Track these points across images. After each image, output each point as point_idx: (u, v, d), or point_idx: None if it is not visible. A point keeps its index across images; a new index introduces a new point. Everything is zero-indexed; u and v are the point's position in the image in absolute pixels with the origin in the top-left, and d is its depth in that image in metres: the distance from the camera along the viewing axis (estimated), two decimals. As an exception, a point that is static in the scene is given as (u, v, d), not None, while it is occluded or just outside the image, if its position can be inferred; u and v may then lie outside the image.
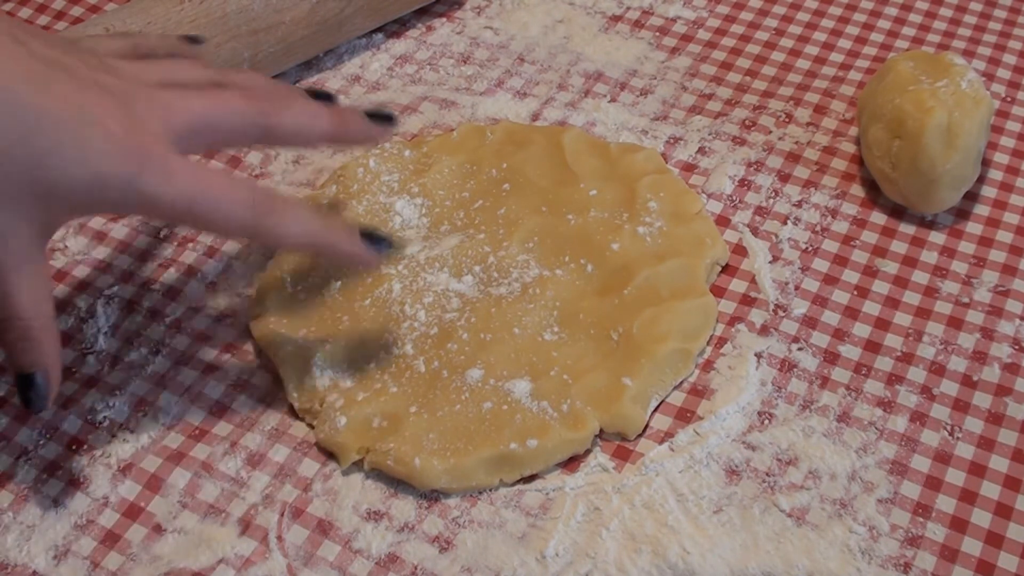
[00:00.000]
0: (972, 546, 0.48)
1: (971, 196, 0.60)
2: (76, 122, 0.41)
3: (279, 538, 0.49)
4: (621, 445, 0.52)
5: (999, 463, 0.50)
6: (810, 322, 0.56)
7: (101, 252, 0.61)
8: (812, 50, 0.69)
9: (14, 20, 0.45)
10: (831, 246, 0.59)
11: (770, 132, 0.64)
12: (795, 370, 0.54)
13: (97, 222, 0.62)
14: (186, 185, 0.44)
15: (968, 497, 0.49)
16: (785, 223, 0.60)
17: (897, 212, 0.60)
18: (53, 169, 0.41)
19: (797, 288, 0.57)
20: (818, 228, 0.60)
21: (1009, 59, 0.68)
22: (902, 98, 0.57)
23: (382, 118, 0.52)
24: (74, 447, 0.53)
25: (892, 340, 0.55)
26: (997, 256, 0.58)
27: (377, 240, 0.50)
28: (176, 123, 0.45)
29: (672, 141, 0.64)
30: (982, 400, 0.53)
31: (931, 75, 0.58)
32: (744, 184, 0.62)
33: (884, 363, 0.54)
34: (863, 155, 0.61)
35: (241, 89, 0.48)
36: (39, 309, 0.44)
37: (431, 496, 0.50)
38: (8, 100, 0.40)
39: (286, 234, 0.47)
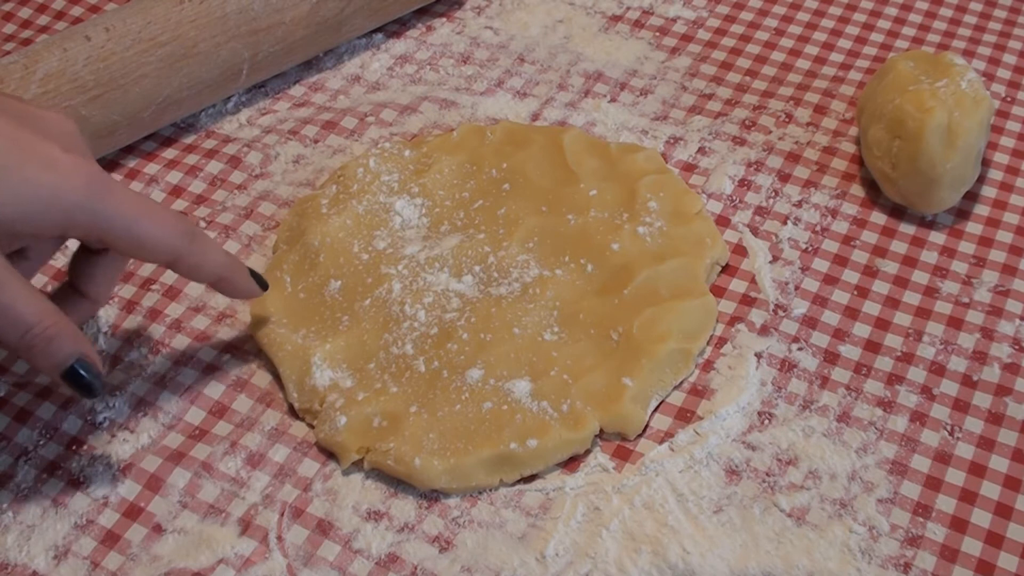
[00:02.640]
0: (972, 546, 0.48)
1: (971, 196, 0.60)
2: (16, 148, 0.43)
3: (279, 538, 0.49)
4: (621, 445, 0.52)
5: (999, 463, 0.50)
6: (810, 322, 0.56)
7: (101, 252, 0.61)
8: (812, 50, 0.69)
9: None
10: (831, 246, 0.59)
11: (770, 132, 0.64)
12: (795, 370, 0.54)
13: (97, 222, 0.62)
14: (129, 206, 0.45)
15: (968, 497, 0.49)
16: (785, 223, 0.60)
17: (897, 212, 0.60)
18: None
19: (797, 288, 0.57)
20: (818, 228, 0.60)
21: (1009, 59, 0.68)
22: (902, 98, 0.57)
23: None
24: (74, 447, 0.53)
25: (892, 340, 0.55)
26: (997, 256, 0.58)
27: (259, 279, 0.53)
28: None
29: (672, 141, 0.64)
30: (982, 400, 0.53)
31: (931, 75, 0.58)
32: (744, 184, 0.62)
33: (884, 363, 0.54)
34: (863, 155, 0.61)
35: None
36: (40, 308, 0.44)
37: (431, 496, 0.50)
38: None
39: (204, 263, 0.49)
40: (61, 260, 0.60)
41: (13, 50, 0.72)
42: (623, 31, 0.71)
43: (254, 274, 0.53)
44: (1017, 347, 0.54)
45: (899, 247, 0.59)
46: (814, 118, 0.65)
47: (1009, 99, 0.66)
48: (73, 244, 0.60)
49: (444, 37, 0.72)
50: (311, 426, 0.53)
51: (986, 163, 0.62)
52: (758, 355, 0.55)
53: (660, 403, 0.53)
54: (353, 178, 0.61)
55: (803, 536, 0.48)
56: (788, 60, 0.69)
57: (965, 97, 0.57)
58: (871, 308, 0.56)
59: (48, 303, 0.45)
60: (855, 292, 0.57)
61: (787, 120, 0.65)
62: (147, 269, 0.60)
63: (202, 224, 0.62)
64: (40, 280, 0.59)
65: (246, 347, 0.56)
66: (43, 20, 0.75)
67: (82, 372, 0.45)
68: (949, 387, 0.53)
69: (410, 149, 0.63)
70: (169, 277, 0.59)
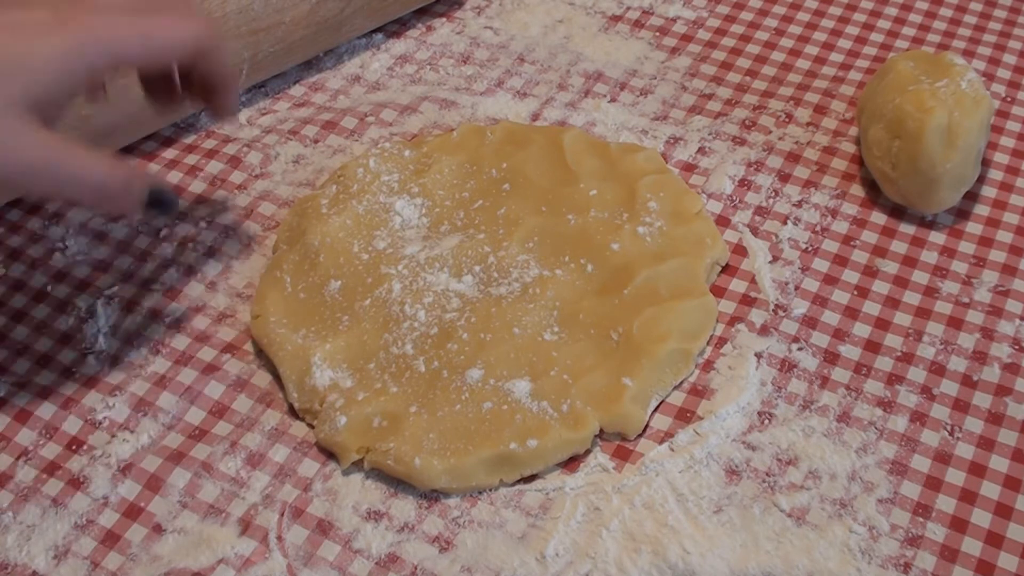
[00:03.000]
0: (972, 546, 0.48)
1: (971, 196, 0.60)
2: None
3: (279, 538, 0.49)
4: (621, 445, 0.52)
5: (999, 463, 0.50)
6: (810, 322, 0.56)
7: (101, 252, 0.61)
8: (812, 50, 0.69)
9: None
10: (831, 246, 0.59)
11: (770, 132, 0.64)
12: (795, 370, 0.54)
13: (97, 222, 0.62)
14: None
15: (968, 497, 0.49)
16: (785, 223, 0.60)
17: (897, 212, 0.60)
18: (36, 58, 0.44)
19: (797, 288, 0.57)
20: (818, 228, 0.60)
21: (1009, 59, 0.68)
22: (902, 98, 0.57)
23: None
24: (74, 447, 0.53)
25: (892, 340, 0.55)
26: (997, 256, 0.58)
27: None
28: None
29: (672, 141, 0.64)
30: (982, 400, 0.53)
31: (931, 75, 0.58)
32: (744, 184, 0.62)
33: (884, 363, 0.54)
34: (863, 155, 0.61)
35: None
36: (105, 165, 0.47)
37: (431, 496, 0.50)
38: None
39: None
40: (61, 260, 0.60)
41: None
42: (623, 31, 0.71)
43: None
44: (1017, 347, 0.54)
45: (899, 247, 0.59)
46: (814, 118, 0.65)
47: (1009, 99, 0.66)
48: (74, 244, 0.61)
49: (444, 37, 0.72)
50: (311, 426, 0.53)
51: (986, 163, 0.62)
52: (758, 355, 0.55)
53: (660, 403, 0.53)
54: (353, 178, 0.61)
55: (803, 536, 0.48)
56: (788, 60, 0.69)
57: (965, 97, 0.57)
58: (871, 308, 0.56)
59: (106, 156, 0.47)
60: (855, 292, 0.57)
61: (787, 120, 0.65)
62: (147, 269, 0.60)
63: (202, 224, 0.62)
64: (40, 280, 0.60)
65: (246, 347, 0.56)
66: (43, 20, 0.75)
67: (159, 199, 0.49)
68: (949, 387, 0.53)
69: (410, 149, 0.63)
70: (169, 277, 0.59)
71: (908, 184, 0.58)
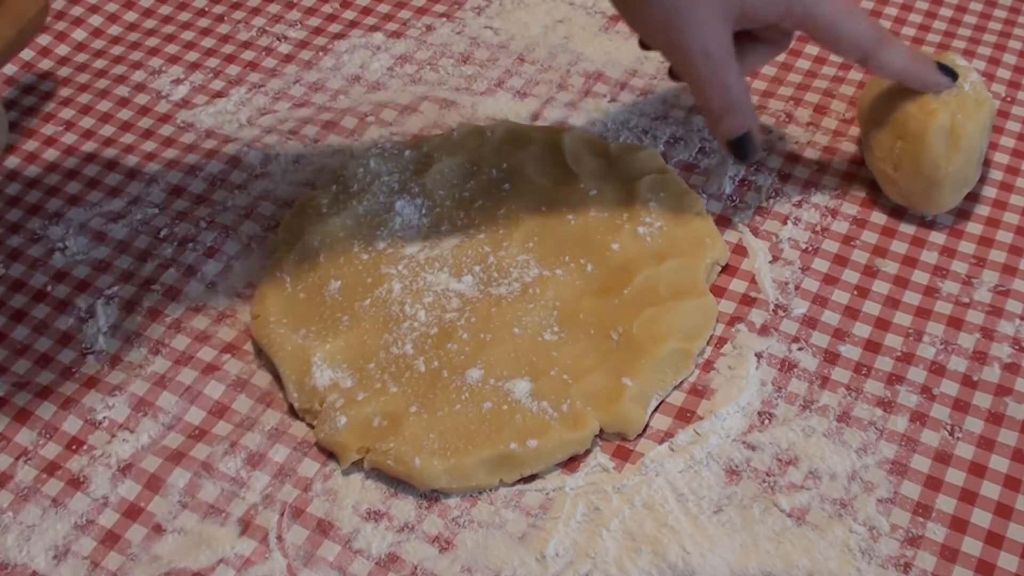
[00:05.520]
0: (972, 546, 0.48)
1: (971, 196, 0.60)
2: None
3: (279, 538, 0.49)
4: (621, 445, 0.52)
5: (999, 463, 0.50)
6: (810, 322, 0.56)
7: (101, 252, 0.61)
8: (812, 50, 0.69)
9: None
10: (831, 246, 0.59)
11: (770, 132, 0.64)
12: (795, 370, 0.54)
13: (97, 222, 0.62)
14: (835, 7, 0.56)
15: (968, 497, 0.49)
16: (785, 223, 0.60)
17: (897, 212, 0.60)
18: None
19: (797, 288, 0.57)
20: (818, 228, 0.60)
21: (1009, 59, 0.68)
22: (905, 100, 0.57)
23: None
24: (74, 447, 0.53)
25: (892, 340, 0.55)
26: (997, 256, 0.58)
27: (949, 71, 0.58)
28: None
29: (672, 141, 0.64)
30: (982, 400, 0.53)
31: None
32: (744, 184, 0.62)
33: (884, 363, 0.54)
34: (864, 155, 0.61)
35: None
36: (741, 90, 0.56)
37: (431, 496, 0.50)
38: None
39: (888, 65, 0.57)
40: (61, 260, 0.60)
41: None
42: (623, 31, 0.71)
43: (944, 67, 0.57)
44: (1017, 347, 0.54)
45: (899, 247, 0.59)
46: (814, 118, 0.65)
47: (1009, 99, 0.66)
48: (74, 244, 0.61)
49: (444, 37, 0.72)
50: (311, 426, 0.53)
51: (986, 163, 0.62)
52: (758, 355, 0.55)
53: (660, 403, 0.53)
54: (353, 178, 0.61)
55: (803, 536, 0.48)
56: (788, 60, 0.69)
57: (968, 99, 0.57)
58: (871, 308, 0.56)
59: (745, 86, 0.57)
60: (855, 292, 0.57)
61: (787, 120, 0.65)
62: (147, 269, 0.60)
63: (202, 224, 0.62)
64: (40, 280, 0.60)
65: (246, 347, 0.56)
66: (43, 20, 0.75)
67: (745, 142, 0.57)
68: (949, 387, 0.53)
69: (410, 149, 0.63)
70: (169, 277, 0.59)
71: (910, 185, 0.58)
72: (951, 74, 0.58)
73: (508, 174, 0.61)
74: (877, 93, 0.60)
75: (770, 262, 0.58)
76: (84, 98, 0.70)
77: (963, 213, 0.60)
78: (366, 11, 0.74)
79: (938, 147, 0.56)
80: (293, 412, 0.54)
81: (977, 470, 0.50)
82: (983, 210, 0.60)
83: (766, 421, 0.52)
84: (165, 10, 0.76)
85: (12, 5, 0.66)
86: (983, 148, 0.58)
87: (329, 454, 0.52)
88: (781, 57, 0.69)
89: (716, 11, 0.54)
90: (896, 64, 0.57)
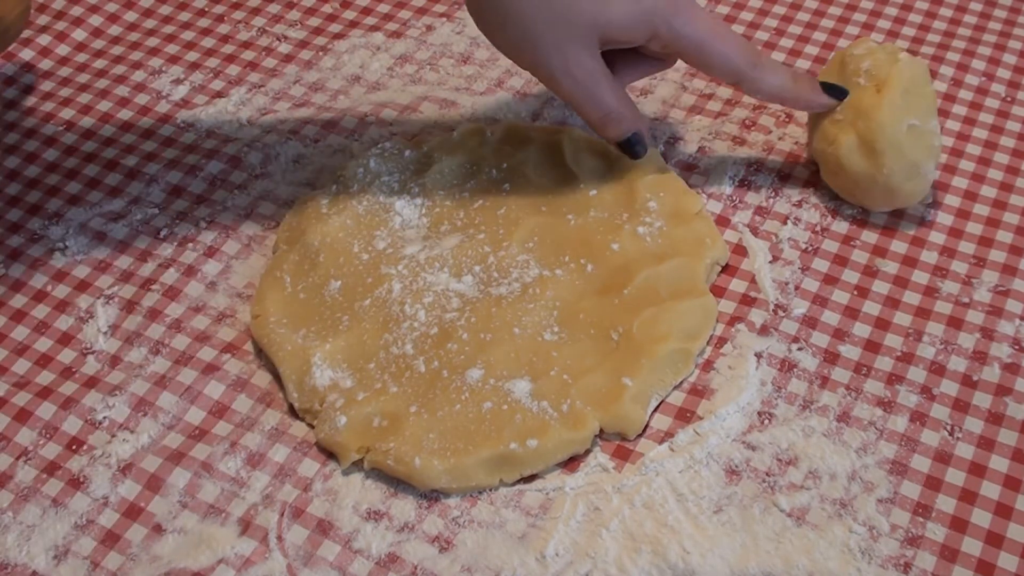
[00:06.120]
0: (972, 546, 0.48)
1: (971, 196, 0.61)
2: None
3: (279, 538, 0.49)
4: (621, 445, 0.52)
5: (999, 463, 0.50)
6: (810, 322, 0.56)
7: (101, 252, 0.61)
8: (812, 50, 0.69)
9: None
10: (831, 246, 0.59)
11: (770, 132, 0.64)
12: (795, 370, 0.54)
13: (97, 222, 0.62)
14: (703, 30, 0.56)
15: (968, 497, 0.49)
16: (785, 223, 0.60)
17: (897, 212, 0.60)
18: (612, 11, 0.55)
19: (797, 288, 0.57)
20: (818, 228, 0.60)
21: (1009, 59, 0.68)
22: (816, 139, 0.59)
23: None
24: (74, 447, 0.53)
25: (892, 340, 0.55)
26: (997, 256, 0.58)
27: (833, 91, 0.58)
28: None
29: (672, 141, 0.64)
30: (982, 400, 0.53)
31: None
32: (744, 184, 0.62)
33: (884, 363, 0.54)
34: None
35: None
36: (617, 98, 0.57)
37: (431, 496, 0.50)
38: None
39: (763, 88, 0.58)
40: (61, 260, 0.60)
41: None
42: (623, 31, 0.71)
43: (828, 86, 0.58)
44: (1017, 347, 0.54)
45: (899, 247, 0.59)
46: (814, 118, 0.65)
47: (1009, 99, 0.66)
48: (74, 244, 0.61)
49: (444, 37, 0.72)
50: (311, 426, 0.53)
51: (986, 163, 0.62)
52: (758, 355, 0.55)
53: (660, 403, 0.53)
54: (353, 178, 0.61)
55: (803, 536, 0.48)
56: (788, 60, 0.69)
57: (865, 93, 0.56)
58: (871, 308, 0.56)
59: (622, 95, 0.58)
60: (855, 292, 0.57)
61: (787, 120, 0.65)
62: (147, 269, 0.60)
63: (202, 224, 0.62)
64: (40, 280, 0.60)
65: (246, 347, 0.56)
66: (43, 20, 0.75)
67: (633, 143, 0.59)
68: (949, 387, 0.53)
69: (410, 149, 0.63)
70: (169, 277, 0.59)
71: (874, 201, 0.58)
72: (838, 92, 0.57)
73: (508, 174, 0.61)
74: (809, 137, 0.61)
75: (770, 262, 0.58)
76: (84, 98, 0.70)
77: (963, 213, 0.60)
78: (366, 11, 0.74)
79: (860, 164, 0.56)
80: (293, 412, 0.54)
81: (977, 470, 0.50)
82: (983, 210, 0.60)
83: (766, 421, 0.52)
84: (165, 10, 0.76)
85: None
86: (914, 118, 0.56)
87: (329, 454, 0.52)
88: (780, 57, 0.69)
89: (574, 35, 0.55)
90: (771, 86, 0.57)
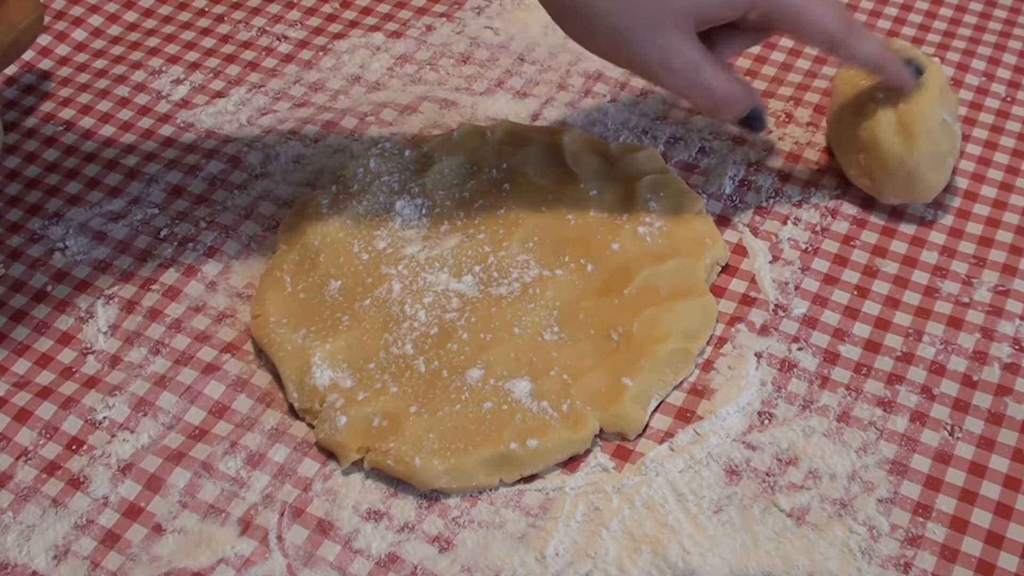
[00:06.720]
0: (972, 546, 0.48)
1: (971, 196, 0.61)
2: None
3: (279, 538, 0.49)
4: (621, 445, 0.52)
5: (999, 463, 0.50)
6: (810, 322, 0.56)
7: (101, 252, 0.61)
8: (812, 50, 0.69)
9: None
10: (831, 246, 0.59)
11: (770, 132, 0.64)
12: (795, 370, 0.54)
13: (97, 222, 0.62)
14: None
15: (968, 497, 0.49)
16: (785, 223, 0.60)
17: (897, 212, 0.60)
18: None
19: (797, 288, 0.57)
20: (818, 228, 0.60)
21: (1009, 59, 0.68)
22: (851, 114, 0.58)
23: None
24: (74, 447, 0.53)
25: (892, 340, 0.55)
26: (997, 256, 0.58)
27: (917, 66, 0.58)
28: None
29: (672, 141, 0.64)
30: (982, 400, 0.53)
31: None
32: (744, 184, 0.62)
33: (884, 363, 0.54)
34: (848, 177, 0.61)
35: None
36: (723, 80, 0.56)
37: (431, 496, 0.50)
38: None
39: (857, 55, 0.56)
40: (61, 260, 0.60)
41: None
42: (623, 31, 0.71)
43: (909, 61, 0.57)
44: (1017, 347, 0.54)
45: (899, 247, 0.59)
46: (814, 118, 0.65)
47: (1009, 99, 0.66)
48: (74, 244, 0.61)
49: (444, 37, 0.72)
50: (311, 426, 0.53)
51: (986, 163, 0.62)
52: (758, 355, 0.55)
53: (660, 403, 0.53)
54: (353, 178, 0.61)
55: (803, 536, 0.48)
56: (788, 60, 0.69)
57: None
58: (871, 308, 0.56)
59: (727, 75, 0.56)
60: (855, 292, 0.57)
61: (787, 120, 0.65)
62: (147, 269, 0.60)
63: (202, 224, 0.62)
64: (40, 280, 0.60)
65: (246, 347, 0.56)
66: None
67: (752, 119, 0.58)
68: (949, 387, 0.53)
69: (410, 149, 0.63)
70: (169, 277, 0.59)
71: (892, 187, 0.58)
72: (917, 69, 0.57)
73: (508, 174, 0.61)
74: (833, 115, 0.60)
75: (770, 262, 0.58)
76: (84, 98, 0.70)
77: (963, 213, 0.60)
78: (366, 11, 0.74)
79: (895, 144, 0.56)
80: (293, 412, 0.54)
81: (977, 470, 0.50)
82: (983, 210, 0.60)
83: (766, 421, 0.52)
84: (165, 10, 0.76)
85: (7, 13, 0.66)
86: (945, 116, 0.57)
87: (329, 454, 0.52)
88: (781, 57, 0.69)
89: (668, 25, 0.54)
90: (866, 53, 0.56)
